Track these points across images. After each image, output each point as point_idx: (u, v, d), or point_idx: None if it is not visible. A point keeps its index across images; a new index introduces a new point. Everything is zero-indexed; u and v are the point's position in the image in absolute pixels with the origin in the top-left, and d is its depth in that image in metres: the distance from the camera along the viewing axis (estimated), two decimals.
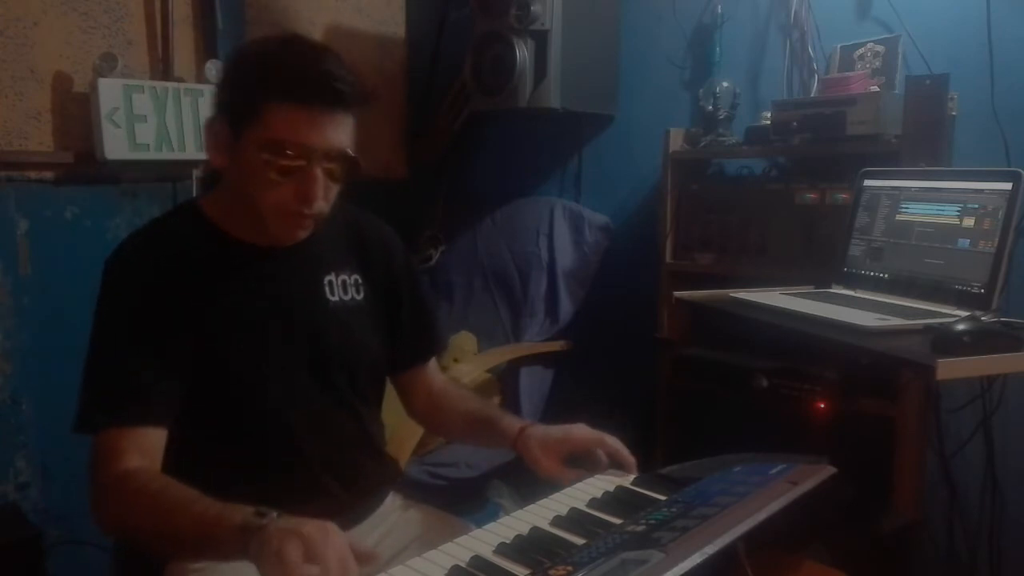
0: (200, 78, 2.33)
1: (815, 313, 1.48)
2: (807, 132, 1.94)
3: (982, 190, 1.51)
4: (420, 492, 1.42)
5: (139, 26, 2.29)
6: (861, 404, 1.83)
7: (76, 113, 2.15)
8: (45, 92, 2.12)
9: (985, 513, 1.98)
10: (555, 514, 1.02)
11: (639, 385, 2.36)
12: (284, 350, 1.15)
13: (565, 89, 2.39)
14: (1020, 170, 1.45)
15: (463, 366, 2.32)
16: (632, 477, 1.15)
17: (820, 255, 1.93)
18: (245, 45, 1.12)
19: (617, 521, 0.99)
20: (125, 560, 1.21)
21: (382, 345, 1.28)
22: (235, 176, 1.10)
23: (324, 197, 1.08)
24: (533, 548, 0.92)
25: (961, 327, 1.24)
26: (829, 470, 0.98)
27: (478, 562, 0.89)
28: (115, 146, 2.13)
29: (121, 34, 2.25)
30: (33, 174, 2.11)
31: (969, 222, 1.51)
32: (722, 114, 2.21)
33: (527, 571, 0.86)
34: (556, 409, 2.44)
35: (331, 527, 0.82)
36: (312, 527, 0.80)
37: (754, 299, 1.64)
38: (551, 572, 0.79)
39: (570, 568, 0.79)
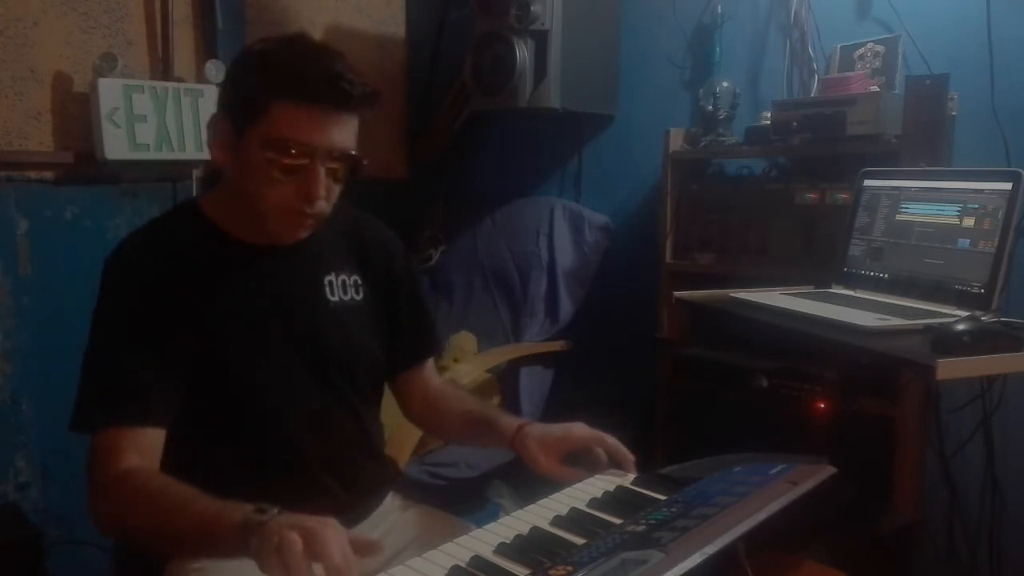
0: (200, 78, 2.33)
1: (815, 313, 1.48)
2: (807, 132, 1.94)
3: (982, 190, 1.51)
4: (420, 492, 1.42)
5: (139, 26, 2.29)
6: (861, 404, 1.83)
7: (76, 113, 2.15)
8: (45, 92, 2.12)
9: (985, 513, 1.98)
10: (555, 514, 1.02)
11: (639, 385, 2.36)
12: (284, 349, 1.15)
13: (565, 89, 2.39)
14: (1020, 170, 1.45)
15: (463, 366, 2.32)
16: (632, 477, 1.15)
17: (820, 255, 1.93)
18: (252, 44, 1.12)
19: (617, 521, 0.99)
20: (125, 560, 1.21)
21: (381, 346, 1.28)
22: (237, 174, 1.10)
23: (326, 197, 1.08)
24: (533, 548, 0.92)
25: (961, 327, 1.24)
26: (829, 470, 0.98)
27: (478, 562, 0.89)
28: (115, 146, 2.13)
29: (121, 34, 2.25)
30: (33, 174, 2.11)
31: (969, 222, 1.51)
32: (722, 114, 2.21)
33: (527, 571, 0.86)
34: (556, 409, 2.44)
35: (331, 522, 0.82)
36: (313, 522, 0.81)
37: (754, 299, 1.64)
38: (551, 572, 0.79)
39: (570, 568, 0.79)
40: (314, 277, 1.21)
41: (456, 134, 2.90)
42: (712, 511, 0.86)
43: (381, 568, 0.89)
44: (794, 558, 1.07)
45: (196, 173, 2.33)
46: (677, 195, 2.25)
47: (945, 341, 1.23)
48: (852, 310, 1.48)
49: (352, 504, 1.20)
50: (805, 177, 2.05)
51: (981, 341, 1.23)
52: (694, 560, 0.74)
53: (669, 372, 2.18)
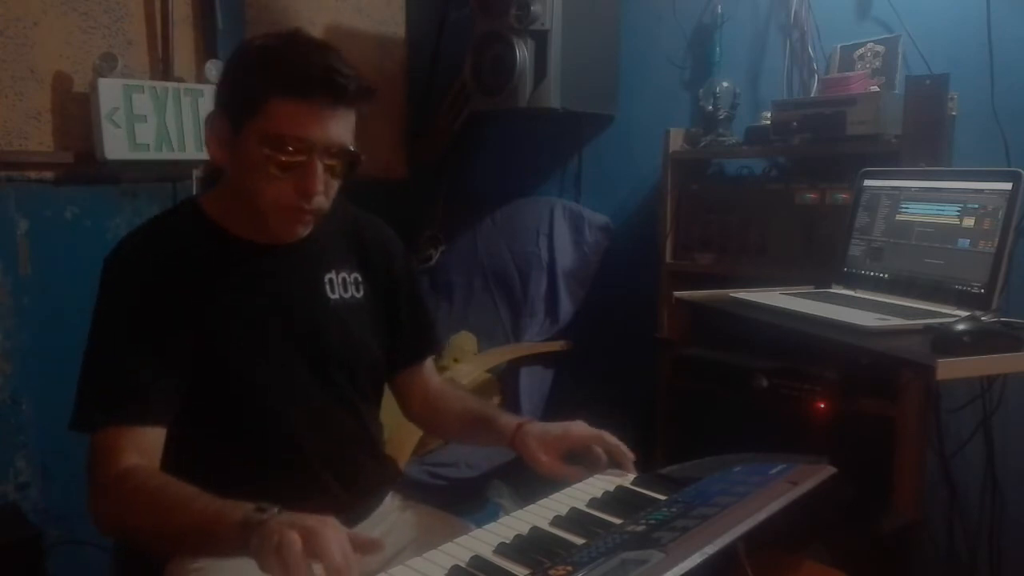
0: (200, 78, 2.33)
1: (815, 313, 1.48)
2: (807, 132, 1.94)
3: (982, 190, 1.51)
4: (420, 492, 1.42)
5: (139, 26, 2.29)
6: (861, 404, 1.83)
7: (76, 113, 2.15)
8: (45, 92, 2.12)
9: (985, 513, 1.97)
10: (555, 514, 1.02)
11: (639, 385, 2.36)
12: (284, 347, 1.15)
13: (565, 89, 2.39)
14: (1020, 170, 1.45)
15: (463, 366, 2.32)
16: (632, 477, 1.15)
17: (820, 255, 1.93)
18: (248, 41, 1.12)
19: (617, 521, 0.99)
20: (125, 560, 1.21)
21: (381, 345, 1.28)
22: (235, 172, 1.10)
23: (324, 192, 1.08)
24: (533, 548, 0.92)
25: (961, 327, 1.24)
26: (829, 470, 0.98)
27: (478, 562, 0.89)
28: (115, 146, 2.13)
29: (121, 34, 2.25)
30: (33, 174, 2.11)
31: (969, 222, 1.51)
32: (722, 114, 2.21)
33: (527, 571, 0.86)
34: (556, 409, 2.44)
35: (332, 521, 0.82)
36: (313, 521, 0.80)
37: (754, 299, 1.64)
38: (551, 572, 0.79)
39: (570, 568, 0.78)
40: (314, 275, 1.20)
41: (456, 134, 2.90)
42: (712, 511, 0.86)
43: (381, 568, 0.89)
44: (794, 558, 1.07)
45: (196, 173, 2.33)
46: (677, 195, 2.25)
47: (945, 341, 1.23)
48: (852, 310, 1.48)
49: (352, 503, 1.20)
50: (805, 177, 2.05)
51: (981, 341, 1.23)
52: (694, 560, 0.74)
53: (669, 372, 2.18)
